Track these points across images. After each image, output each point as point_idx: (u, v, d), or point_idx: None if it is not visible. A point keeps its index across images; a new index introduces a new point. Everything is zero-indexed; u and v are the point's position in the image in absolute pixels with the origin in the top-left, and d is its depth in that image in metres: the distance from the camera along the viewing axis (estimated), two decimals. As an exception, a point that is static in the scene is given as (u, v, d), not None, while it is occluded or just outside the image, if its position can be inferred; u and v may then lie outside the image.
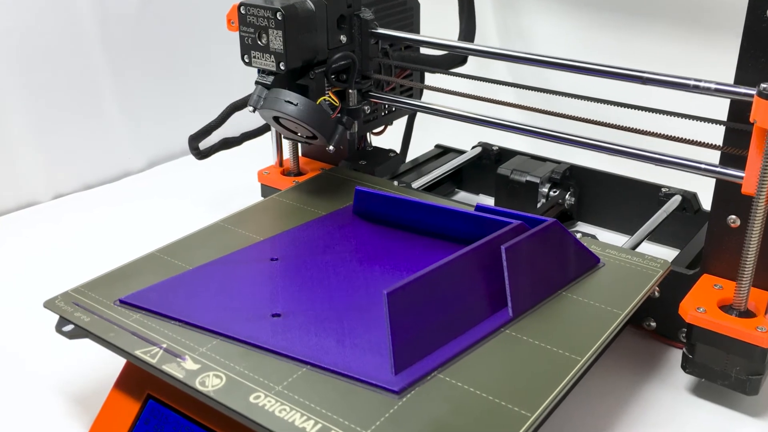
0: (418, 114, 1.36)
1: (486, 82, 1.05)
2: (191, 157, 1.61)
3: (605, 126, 0.95)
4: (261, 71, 1.06)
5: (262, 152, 1.39)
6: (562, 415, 0.88)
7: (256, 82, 1.05)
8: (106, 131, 1.58)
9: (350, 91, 1.12)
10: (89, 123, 1.55)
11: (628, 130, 0.93)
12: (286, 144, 1.25)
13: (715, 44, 1.42)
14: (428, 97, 1.22)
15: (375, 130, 1.29)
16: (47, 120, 1.49)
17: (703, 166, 0.88)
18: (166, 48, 1.65)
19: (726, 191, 0.88)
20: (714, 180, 0.90)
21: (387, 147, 1.29)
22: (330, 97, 1.07)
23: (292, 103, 1.00)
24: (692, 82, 0.86)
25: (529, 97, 1.02)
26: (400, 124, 1.36)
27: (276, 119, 1.05)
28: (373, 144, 1.30)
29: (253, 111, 1.04)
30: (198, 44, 1.70)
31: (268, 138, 1.29)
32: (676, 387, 0.94)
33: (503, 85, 1.05)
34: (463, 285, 0.78)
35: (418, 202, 0.95)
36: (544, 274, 0.84)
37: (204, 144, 1.28)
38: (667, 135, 0.90)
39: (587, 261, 0.90)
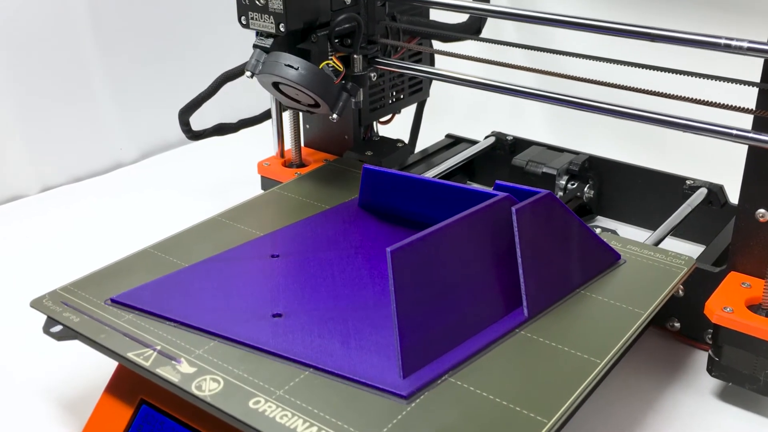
0: (428, 102, 1.36)
1: (500, 45, 1.03)
2: (187, 148, 1.62)
3: (627, 90, 0.93)
4: (259, 34, 1.05)
5: (262, 142, 1.39)
6: (580, 421, 0.88)
7: (254, 45, 1.04)
8: (96, 120, 1.59)
9: (355, 56, 1.10)
10: (78, 111, 1.56)
11: (652, 94, 0.92)
12: (287, 134, 1.25)
13: (747, 28, 1.41)
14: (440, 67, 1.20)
15: (382, 119, 1.29)
16: (34, 108, 1.49)
17: (734, 132, 0.87)
18: (160, 31, 1.65)
19: (755, 179, 0.88)
20: (741, 171, 0.89)
21: (395, 137, 1.29)
22: (333, 61, 1.07)
23: (292, 67, 0.99)
24: (723, 41, 0.85)
25: (546, 66, 1.01)
26: (409, 112, 1.36)
27: (275, 85, 1.04)
28: (380, 133, 1.30)
29: (251, 76, 1.03)
30: (193, 27, 1.70)
31: (268, 127, 1.29)
32: (702, 391, 0.94)
33: (516, 47, 1.04)
34: (471, 251, 0.78)
35: (429, 180, 0.94)
36: (558, 264, 0.84)
37: (199, 126, 1.27)
38: (695, 99, 0.89)
39: (607, 257, 0.90)
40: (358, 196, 1.02)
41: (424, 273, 0.74)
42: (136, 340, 0.77)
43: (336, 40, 1.07)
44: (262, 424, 0.66)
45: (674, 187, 1.18)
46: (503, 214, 0.81)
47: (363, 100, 1.21)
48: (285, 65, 0.99)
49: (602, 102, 0.96)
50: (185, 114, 1.25)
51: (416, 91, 1.33)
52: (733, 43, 0.84)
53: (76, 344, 0.80)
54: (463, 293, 0.77)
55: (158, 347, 0.76)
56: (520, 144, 1.34)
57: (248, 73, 1.03)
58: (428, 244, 0.74)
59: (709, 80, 0.88)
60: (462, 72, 1.08)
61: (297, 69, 0.99)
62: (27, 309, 0.84)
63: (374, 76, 1.15)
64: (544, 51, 1.00)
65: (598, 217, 1.29)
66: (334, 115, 1.04)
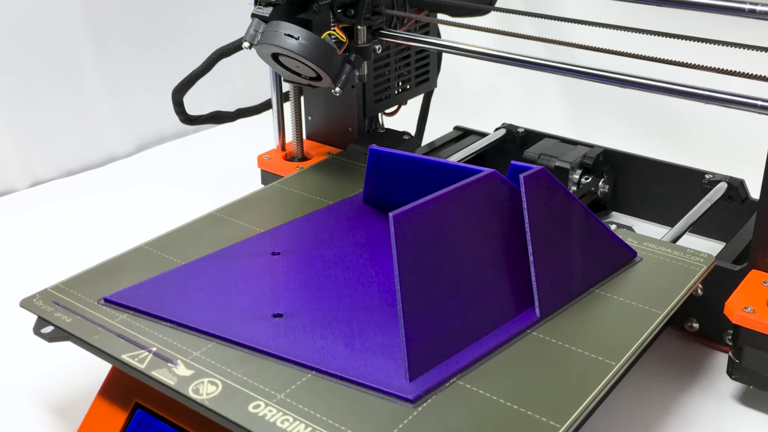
0: (436, 92, 1.36)
1: (512, 14, 1.03)
2: (184, 140, 1.62)
3: (644, 59, 0.92)
4: (257, 2, 1.04)
5: (263, 134, 1.39)
6: (594, 425, 0.88)
7: (253, 15, 1.03)
8: (88, 111, 1.59)
9: (359, 27, 1.10)
10: (70, 102, 1.56)
11: (673, 64, 0.90)
12: (289, 126, 1.25)
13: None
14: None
15: (387, 111, 1.29)
16: (23, 99, 1.49)
17: (759, 103, 0.86)
18: (155, 18, 1.65)
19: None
20: (763, 165, 0.89)
21: (401, 129, 1.29)
22: (336, 32, 1.06)
23: (293, 37, 0.98)
24: (747, 6, 0.84)
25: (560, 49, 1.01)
26: (415, 103, 1.35)
27: (275, 57, 1.03)
28: (386, 126, 1.30)
29: (249, 47, 1.03)
30: (189, 13, 1.70)
31: (269, 118, 1.29)
32: (721, 395, 0.94)
33: (527, 15, 1.04)
34: (476, 234, 0.78)
35: (444, 163, 0.94)
36: (570, 261, 0.84)
37: (196, 111, 1.26)
38: (717, 68, 0.88)
39: (622, 255, 0.90)
40: (364, 184, 1.01)
41: (429, 245, 0.74)
42: (130, 342, 0.77)
43: (339, 10, 1.07)
44: (263, 429, 0.66)
45: (693, 182, 1.18)
46: (500, 194, 0.81)
47: (367, 74, 1.19)
48: (285, 35, 0.99)
49: (617, 73, 0.96)
50: (179, 93, 1.23)
51: (423, 81, 1.33)
52: (758, 8, 0.83)
53: (68, 346, 0.80)
54: (472, 290, 0.76)
55: (154, 349, 0.76)
56: (532, 136, 1.34)
57: (246, 44, 1.03)
58: (431, 210, 0.74)
59: (733, 48, 0.87)
60: (473, 44, 1.07)
61: (297, 39, 0.98)
62: (17, 309, 0.84)
63: (379, 48, 1.14)
64: (556, 19, 0.99)
65: (614, 213, 1.29)
66: (337, 89, 1.04)
